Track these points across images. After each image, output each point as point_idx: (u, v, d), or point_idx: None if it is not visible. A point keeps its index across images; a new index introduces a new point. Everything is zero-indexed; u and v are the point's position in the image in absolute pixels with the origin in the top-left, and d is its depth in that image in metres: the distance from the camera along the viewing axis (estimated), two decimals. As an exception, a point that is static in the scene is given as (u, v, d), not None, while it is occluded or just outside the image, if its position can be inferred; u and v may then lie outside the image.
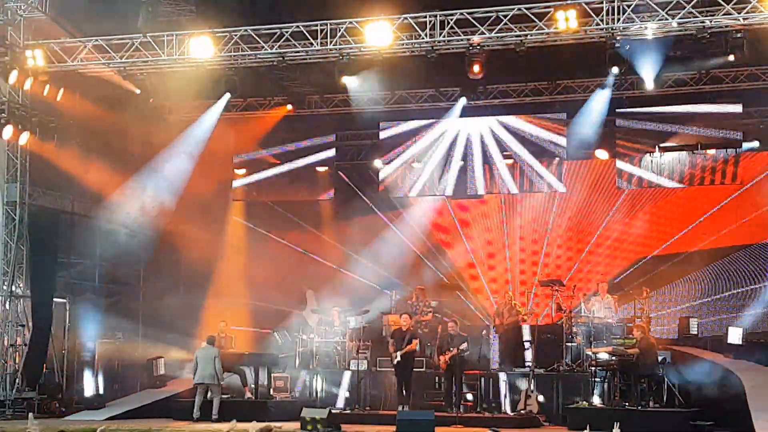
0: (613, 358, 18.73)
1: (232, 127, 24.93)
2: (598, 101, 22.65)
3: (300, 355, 21.97)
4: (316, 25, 19.23)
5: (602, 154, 24.53)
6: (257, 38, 19.57)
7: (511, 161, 24.45)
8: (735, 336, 20.89)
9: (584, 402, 19.00)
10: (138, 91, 20.78)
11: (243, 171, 26.30)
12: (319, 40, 19.23)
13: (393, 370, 19.78)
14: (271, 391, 20.76)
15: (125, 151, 23.54)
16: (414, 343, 19.40)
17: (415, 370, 19.75)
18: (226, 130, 24.61)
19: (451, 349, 19.21)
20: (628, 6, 17.76)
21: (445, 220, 26.47)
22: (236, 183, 26.22)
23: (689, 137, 23.15)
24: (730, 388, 18.17)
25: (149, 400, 21.28)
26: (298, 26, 19.27)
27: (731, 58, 18.39)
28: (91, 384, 21.42)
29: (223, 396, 20.29)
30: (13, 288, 21.16)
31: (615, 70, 19.85)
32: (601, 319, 20.42)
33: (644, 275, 23.75)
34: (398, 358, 19.29)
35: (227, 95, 21.69)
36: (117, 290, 24.62)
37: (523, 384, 19.70)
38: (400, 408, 18.89)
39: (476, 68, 19.17)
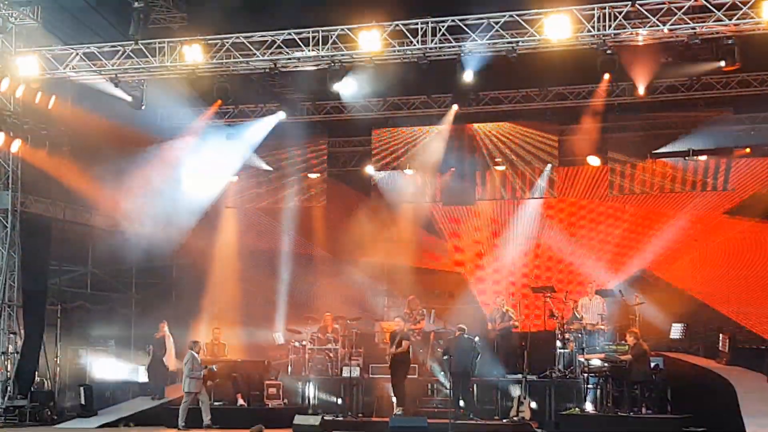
0: (606, 364, 18.74)
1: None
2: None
3: (292, 362, 21.95)
4: (308, 32, 19.19)
5: (594, 161, 24.56)
6: (249, 45, 19.57)
7: (502, 168, 24.49)
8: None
9: (577, 408, 19.02)
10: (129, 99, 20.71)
11: (235, 178, 26.32)
12: (310, 47, 19.21)
13: (386, 376, 19.95)
14: (264, 398, 20.74)
15: (117, 158, 23.46)
16: (405, 345, 19.45)
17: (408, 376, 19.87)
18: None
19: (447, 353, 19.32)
20: (619, 13, 17.77)
21: (436, 226, 26.44)
22: (229, 190, 26.25)
23: (681, 144, 23.26)
24: (722, 393, 18.20)
25: (141, 408, 21.27)
26: (289, 33, 19.24)
27: (722, 64, 18.41)
28: (83, 392, 21.33)
29: (216, 403, 20.26)
30: (5, 295, 21.09)
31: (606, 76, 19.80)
32: (594, 326, 20.43)
33: (636, 281, 23.74)
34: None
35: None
36: (109, 298, 24.57)
37: (515, 390, 19.71)
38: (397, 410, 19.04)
39: None
